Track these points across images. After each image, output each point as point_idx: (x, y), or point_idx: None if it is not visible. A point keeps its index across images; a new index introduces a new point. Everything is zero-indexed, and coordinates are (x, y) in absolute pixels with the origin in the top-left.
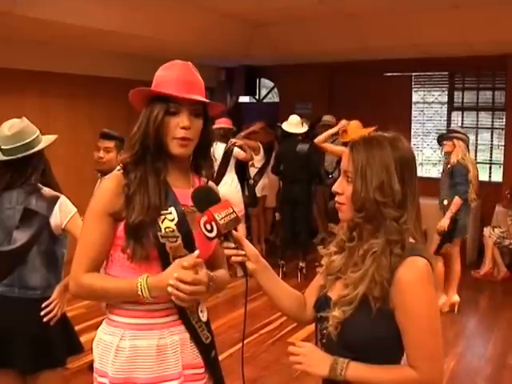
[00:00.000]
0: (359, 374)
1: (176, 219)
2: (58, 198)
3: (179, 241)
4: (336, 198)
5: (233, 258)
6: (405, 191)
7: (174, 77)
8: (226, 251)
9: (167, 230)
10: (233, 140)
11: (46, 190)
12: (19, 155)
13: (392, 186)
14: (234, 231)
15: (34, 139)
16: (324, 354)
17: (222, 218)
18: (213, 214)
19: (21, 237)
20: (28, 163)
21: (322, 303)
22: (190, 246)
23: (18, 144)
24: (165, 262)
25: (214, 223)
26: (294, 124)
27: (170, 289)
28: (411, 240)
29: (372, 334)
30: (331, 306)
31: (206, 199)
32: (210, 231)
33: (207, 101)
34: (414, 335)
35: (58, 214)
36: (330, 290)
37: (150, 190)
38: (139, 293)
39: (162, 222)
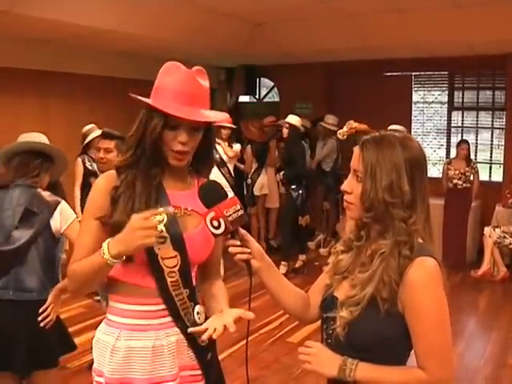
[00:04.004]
0: (368, 374)
1: (165, 220)
2: (59, 202)
3: (168, 242)
4: (345, 197)
5: (238, 255)
6: (414, 192)
7: (175, 87)
8: (231, 249)
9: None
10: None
11: (47, 194)
12: (28, 147)
13: (401, 187)
14: (240, 228)
15: (45, 143)
16: (333, 354)
17: (231, 215)
18: (222, 211)
19: (20, 237)
20: (35, 163)
21: (329, 303)
22: (178, 247)
23: (30, 140)
24: (153, 263)
25: (222, 220)
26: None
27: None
28: (419, 240)
29: (379, 334)
30: (338, 307)
31: (214, 195)
32: (217, 228)
33: (207, 120)
34: (424, 336)
35: (59, 218)
36: (336, 289)
37: (136, 194)
38: (102, 255)
39: None
